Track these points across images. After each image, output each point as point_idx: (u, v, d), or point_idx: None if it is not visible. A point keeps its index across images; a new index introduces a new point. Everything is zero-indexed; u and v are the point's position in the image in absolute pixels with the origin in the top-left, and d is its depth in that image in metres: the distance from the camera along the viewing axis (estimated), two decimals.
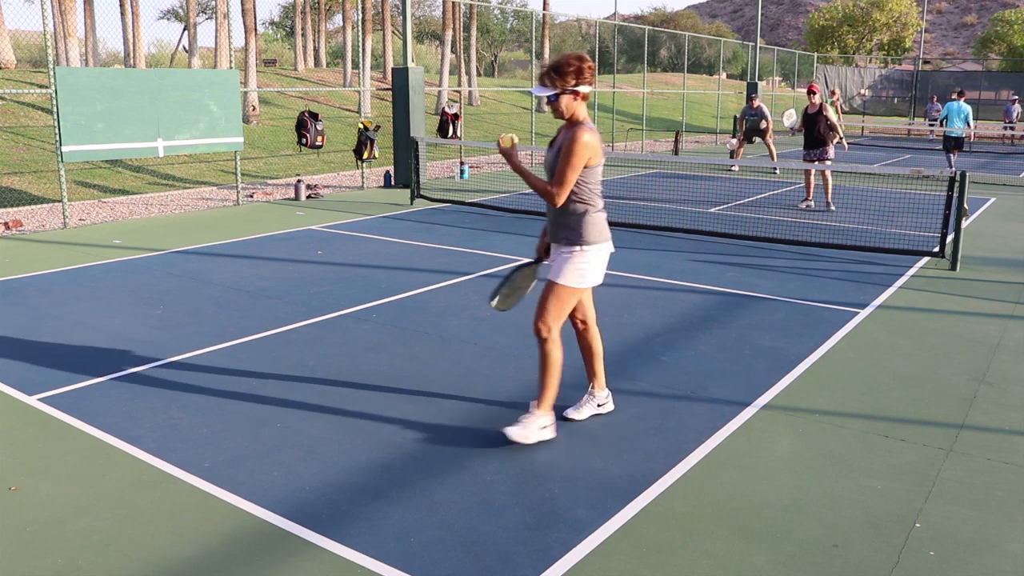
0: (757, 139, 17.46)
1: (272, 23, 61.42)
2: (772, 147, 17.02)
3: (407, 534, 3.21)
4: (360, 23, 14.77)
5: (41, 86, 16.63)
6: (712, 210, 11.76)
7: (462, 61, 28.55)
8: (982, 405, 4.60)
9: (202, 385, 4.75)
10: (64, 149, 9.53)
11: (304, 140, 13.28)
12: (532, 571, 2.97)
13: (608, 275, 7.57)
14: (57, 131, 9.48)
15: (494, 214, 11.08)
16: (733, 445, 4.04)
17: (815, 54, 37.88)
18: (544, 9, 30.05)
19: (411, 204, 11.95)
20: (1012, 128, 25.72)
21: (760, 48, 26.27)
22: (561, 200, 3.79)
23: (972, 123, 16.75)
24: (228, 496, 3.48)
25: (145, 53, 29.80)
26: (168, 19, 50.03)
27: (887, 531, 3.28)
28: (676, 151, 21.26)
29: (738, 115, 17.80)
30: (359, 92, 14.65)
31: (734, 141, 17.38)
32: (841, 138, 11.47)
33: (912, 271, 7.94)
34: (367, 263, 7.92)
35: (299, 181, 12.62)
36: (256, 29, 22.14)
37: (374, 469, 3.74)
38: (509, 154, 3.87)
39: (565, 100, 3.78)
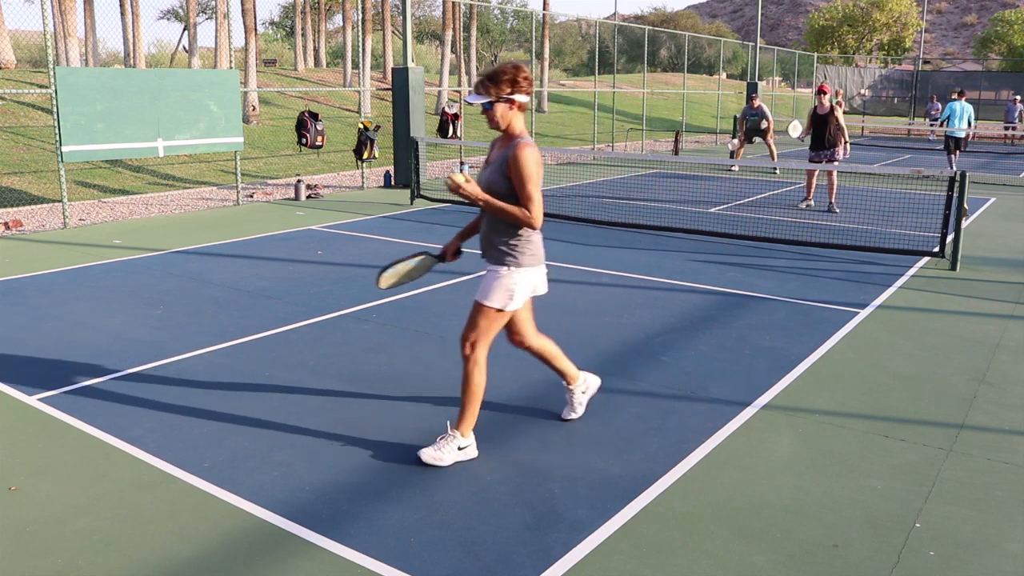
0: (758, 139, 17.45)
1: (272, 23, 61.45)
2: (773, 147, 17.01)
3: (407, 534, 3.21)
4: (360, 23, 14.77)
5: (41, 86, 16.64)
6: (712, 210, 11.76)
7: (462, 61, 28.57)
8: (982, 405, 4.60)
9: (202, 385, 4.75)
10: (64, 149, 9.53)
11: (304, 140, 13.28)
12: (532, 571, 2.97)
13: (608, 275, 7.58)
14: (57, 131, 9.49)
15: None
16: (733, 445, 4.04)
17: (815, 54, 37.88)
18: (544, 9, 30.05)
19: (411, 204, 11.95)
20: (1013, 128, 25.71)
21: (760, 48, 26.28)
22: (538, 221, 3.63)
23: (973, 123, 16.73)
24: (228, 496, 3.48)
25: (145, 53, 29.81)
26: (168, 19, 50.03)
27: (887, 531, 3.28)
28: (676, 151, 21.27)
29: (738, 115, 17.79)
30: (359, 92, 14.65)
31: (735, 141, 17.36)
32: (847, 141, 11.40)
33: (912, 271, 7.94)
34: (367, 263, 7.92)
35: (299, 181, 12.62)
36: (256, 29, 22.14)
37: (374, 469, 3.74)
38: (468, 191, 3.56)
39: (500, 109, 3.65)
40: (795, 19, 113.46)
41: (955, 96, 16.81)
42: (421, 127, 13.94)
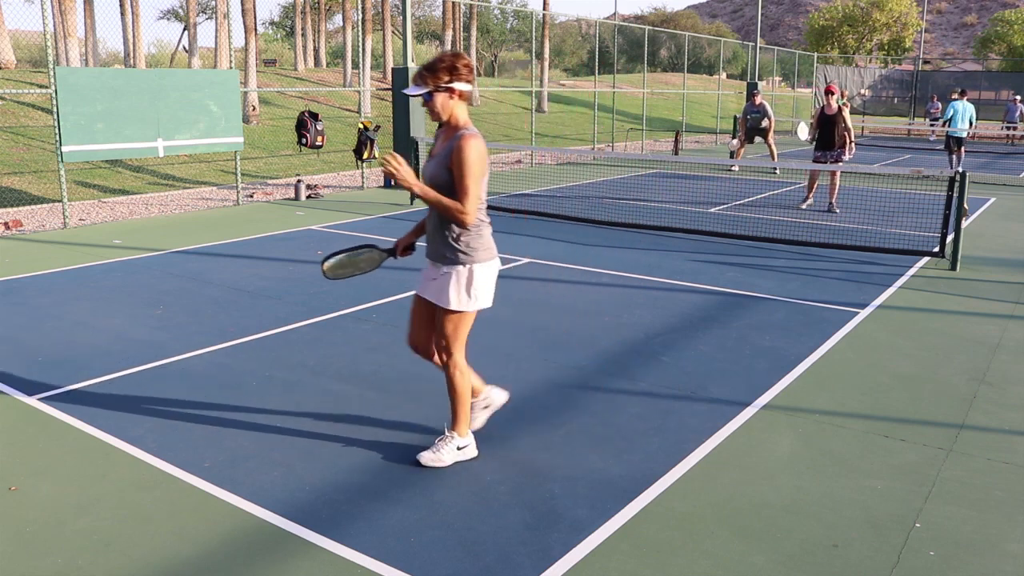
0: (759, 139, 17.43)
1: (272, 23, 61.45)
2: (773, 147, 16.99)
3: (407, 534, 3.21)
4: (360, 23, 14.77)
5: (41, 86, 16.64)
6: (712, 210, 11.76)
7: None
8: (982, 405, 4.60)
9: (202, 385, 4.75)
10: (64, 149, 9.53)
11: (304, 140, 13.28)
12: (532, 571, 2.97)
13: (608, 275, 7.58)
14: (57, 131, 9.49)
15: (494, 214, 11.07)
16: (733, 445, 4.04)
17: (815, 54, 37.87)
18: (544, 9, 30.05)
19: (411, 204, 11.95)
20: (1014, 128, 25.70)
21: (760, 48, 26.27)
22: (471, 217, 3.45)
23: (975, 123, 16.70)
24: (228, 496, 3.48)
25: (145, 53, 29.81)
26: (168, 19, 50.05)
27: (887, 531, 3.28)
28: (676, 151, 21.26)
29: (738, 115, 17.77)
30: (359, 92, 14.65)
31: (735, 141, 17.33)
32: (852, 142, 11.37)
33: (912, 271, 7.94)
34: None
35: (299, 181, 12.62)
36: (256, 29, 22.14)
37: (374, 469, 3.74)
38: (402, 175, 3.35)
39: (440, 99, 3.48)
40: (795, 19, 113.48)
41: (956, 96, 16.79)
42: (421, 127, 13.94)
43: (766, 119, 16.73)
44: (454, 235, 3.54)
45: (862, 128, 32.00)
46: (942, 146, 24.52)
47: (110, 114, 9.88)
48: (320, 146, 13.37)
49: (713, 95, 35.09)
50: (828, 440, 4.12)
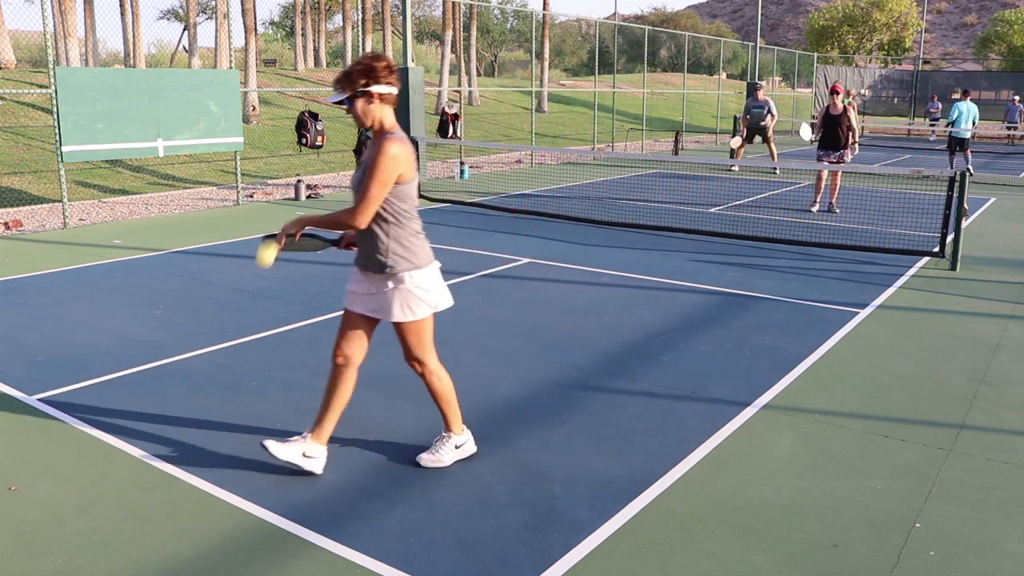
0: (759, 139, 17.41)
1: (272, 23, 61.47)
2: (773, 147, 16.99)
3: (407, 534, 3.21)
4: (360, 23, 14.77)
5: (41, 86, 16.63)
6: (712, 210, 11.76)
7: (462, 61, 28.56)
8: (982, 405, 4.60)
9: (202, 385, 4.75)
10: (64, 149, 9.53)
11: (304, 140, 13.28)
12: (532, 571, 2.97)
13: (608, 275, 7.58)
14: (57, 131, 9.49)
15: (494, 214, 11.08)
16: (733, 445, 4.04)
17: (815, 54, 37.88)
18: (544, 9, 30.06)
19: None
20: (1015, 128, 25.71)
21: (760, 48, 26.27)
22: (363, 220, 3.29)
23: (977, 123, 16.66)
24: (228, 496, 3.48)
25: (145, 53, 29.81)
26: (168, 19, 50.08)
27: (887, 531, 3.28)
28: (676, 151, 21.27)
29: (738, 115, 17.75)
30: None
31: (736, 139, 17.29)
32: (855, 142, 11.35)
33: (912, 271, 7.94)
34: None
35: (299, 181, 12.62)
36: (256, 29, 22.14)
37: (374, 469, 3.74)
38: (294, 240, 3.39)
39: (359, 104, 3.33)
40: (795, 19, 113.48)
41: (957, 96, 16.77)
42: (421, 127, 13.94)
43: (769, 115, 16.71)
44: (382, 246, 3.40)
45: (862, 128, 32.00)
46: (942, 146, 24.54)
47: (110, 114, 9.88)
48: (320, 146, 13.37)
49: (713, 95, 35.09)
50: (828, 440, 4.12)
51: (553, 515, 3.35)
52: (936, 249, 8.33)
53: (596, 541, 3.17)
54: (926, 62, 59.33)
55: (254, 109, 19.77)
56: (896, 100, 36.58)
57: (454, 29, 27.09)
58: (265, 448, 3.58)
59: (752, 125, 16.95)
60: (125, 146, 10.14)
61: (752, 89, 18.44)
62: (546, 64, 31.35)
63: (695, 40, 52.10)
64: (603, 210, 11.44)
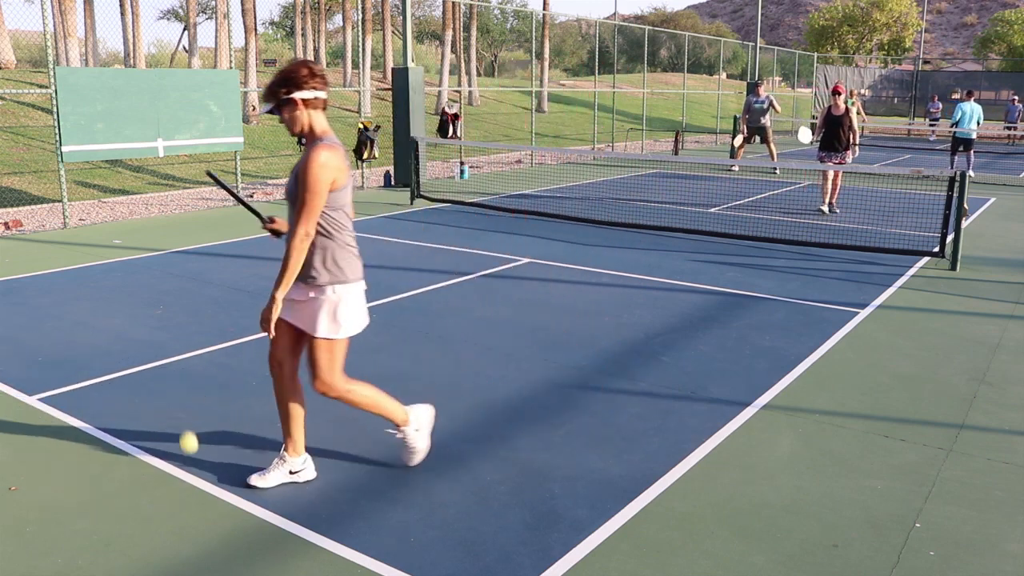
0: (759, 139, 17.40)
1: (272, 23, 61.44)
2: (773, 148, 16.99)
3: (407, 534, 3.21)
4: (360, 23, 14.77)
5: (41, 86, 16.63)
6: (712, 210, 11.76)
7: (462, 61, 28.57)
8: (982, 405, 4.60)
9: (202, 385, 4.75)
10: (64, 149, 9.53)
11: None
12: (532, 571, 2.97)
13: (608, 275, 7.58)
14: (57, 131, 9.49)
15: (494, 214, 11.08)
16: (733, 445, 4.04)
17: (815, 54, 37.88)
18: (544, 9, 30.06)
19: (411, 204, 11.95)
20: (1015, 128, 25.71)
21: (760, 48, 26.27)
22: (309, 231, 3.22)
23: (982, 123, 16.61)
24: (228, 496, 3.48)
25: (145, 53, 29.81)
26: (168, 19, 50.06)
27: (887, 531, 3.28)
28: (676, 151, 21.27)
29: (738, 115, 17.75)
30: (359, 92, 14.65)
31: (739, 138, 17.26)
32: (855, 144, 11.33)
33: (912, 271, 7.94)
34: (367, 263, 7.87)
35: None
36: (256, 29, 22.14)
37: (374, 469, 3.74)
38: (267, 318, 3.26)
39: (286, 112, 3.26)
40: (795, 19, 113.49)
41: (959, 96, 16.75)
42: (421, 127, 13.94)
43: (771, 108, 16.72)
44: (312, 256, 3.30)
45: (862, 128, 31.98)
46: (943, 146, 24.53)
47: (110, 114, 9.88)
48: None
49: (713, 95, 35.09)
50: (828, 440, 4.12)
51: (553, 515, 3.35)
52: (936, 249, 8.33)
53: (596, 541, 3.17)
54: (926, 62, 59.35)
55: (254, 109, 19.77)
56: (896, 100, 36.58)
57: (454, 29, 27.09)
58: (253, 486, 3.54)
59: (752, 124, 16.95)
60: (125, 146, 10.14)
61: (753, 87, 18.44)
62: (546, 64, 31.35)
63: (695, 40, 52.10)
64: (603, 210, 11.44)
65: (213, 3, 37.04)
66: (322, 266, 3.31)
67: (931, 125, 28.50)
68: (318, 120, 3.32)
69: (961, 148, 16.34)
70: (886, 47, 54.30)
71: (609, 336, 5.75)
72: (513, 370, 5.04)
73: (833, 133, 11.25)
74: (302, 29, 35.82)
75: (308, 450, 3.74)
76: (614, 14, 34.51)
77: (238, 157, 11.81)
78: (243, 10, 20.63)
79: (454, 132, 15.16)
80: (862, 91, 35.55)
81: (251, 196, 12.69)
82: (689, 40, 29.10)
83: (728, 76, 53.72)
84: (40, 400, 4.50)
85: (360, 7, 14.24)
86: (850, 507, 3.46)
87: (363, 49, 14.57)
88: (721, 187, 14.48)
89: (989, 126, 28.47)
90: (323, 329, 3.33)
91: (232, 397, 4.56)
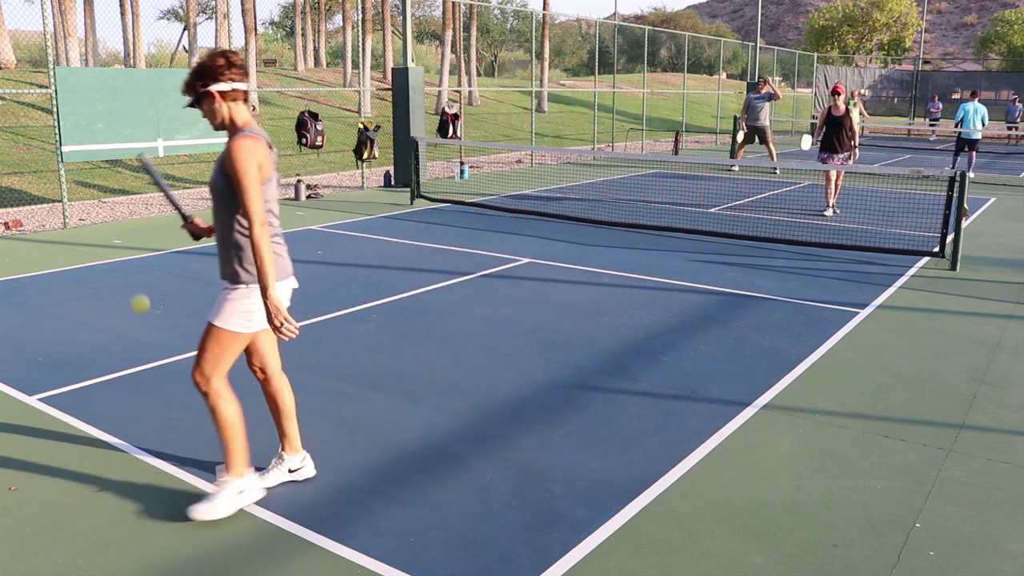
0: (759, 139, 17.39)
1: (272, 23, 61.46)
2: (773, 148, 16.99)
3: (407, 534, 3.21)
4: (360, 23, 14.77)
5: (41, 86, 16.63)
6: (712, 210, 11.76)
7: (462, 61, 28.56)
8: (982, 405, 4.60)
9: None
10: (64, 149, 9.53)
11: (304, 140, 13.28)
12: (532, 571, 2.97)
13: (608, 275, 7.58)
14: (57, 131, 9.49)
15: (494, 214, 11.08)
16: (733, 445, 4.04)
17: (815, 54, 37.88)
18: (544, 9, 30.05)
19: (411, 204, 11.95)
20: (1015, 127, 25.71)
21: (760, 48, 26.27)
22: (261, 220, 3.07)
23: (987, 123, 16.58)
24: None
25: (145, 53, 29.82)
26: (168, 19, 50.09)
27: (887, 531, 3.28)
28: (676, 151, 21.27)
29: (738, 115, 17.74)
30: (359, 92, 14.66)
31: (740, 136, 17.24)
32: (855, 145, 11.32)
33: (912, 271, 7.94)
34: (367, 263, 7.92)
35: (299, 181, 12.63)
36: (256, 29, 22.14)
37: (374, 469, 3.74)
38: (275, 321, 3.13)
39: (205, 105, 3.15)
40: (795, 19, 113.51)
41: (957, 96, 16.74)
42: (421, 127, 13.94)
43: (771, 100, 16.76)
44: (234, 252, 3.21)
45: (862, 128, 31.99)
46: (942, 146, 24.53)
47: (110, 114, 9.89)
48: (320, 146, 13.37)
49: (713, 95, 35.09)
50: (828, 440, 4.12)
51: (553, 515, 3.35)
52: (936, 249, 8.33)
53: (596, 541, 3.17)
54: (926, 62, 59.34)
55: (254, 109, 19.78)
56: (896, 100, 36.58)
57: (454, 29, 27.09)
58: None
59: (751, 123, 16.94)
60: (125, 146, 10.14)
61: (754, 87, 18.45)
62: (546, 64, 31.34)
63: (695, 40, 52.11)
64: (603, 210, 11.44)
65: (213, 3, 37.04)
66: (243, 262, 3.20)
67: (931, 125, 28.50)
68: (239, 112, 3.19)
69: (965, 148, 16.30)
70: (886, 47, 54.30)
71: (609, 336, 5.75)
72: (513, 370, 5.04)
73: (833, 133, 11.26)
74: (302, 29, 35.83)
75: (309, 447, 3.74)
76: (614, 14, 34.52)
77: None
78: (243, 10, 20.63)
79: (454, 132, 15.17)
80: (862, 91, 35.55)
81: None
82: (689, 40, 29.11)
83: (728, 76, 53.73)
84: (40, 400, 4.50)
85: (360, 7, 14.24)
86: (850, 507, 3.46)
87: (363, 49, 14.57)
88: (721, 187, 14.48)
89: (989, 126, 28.49)
90: (221, 319, 3.21)
91: None
